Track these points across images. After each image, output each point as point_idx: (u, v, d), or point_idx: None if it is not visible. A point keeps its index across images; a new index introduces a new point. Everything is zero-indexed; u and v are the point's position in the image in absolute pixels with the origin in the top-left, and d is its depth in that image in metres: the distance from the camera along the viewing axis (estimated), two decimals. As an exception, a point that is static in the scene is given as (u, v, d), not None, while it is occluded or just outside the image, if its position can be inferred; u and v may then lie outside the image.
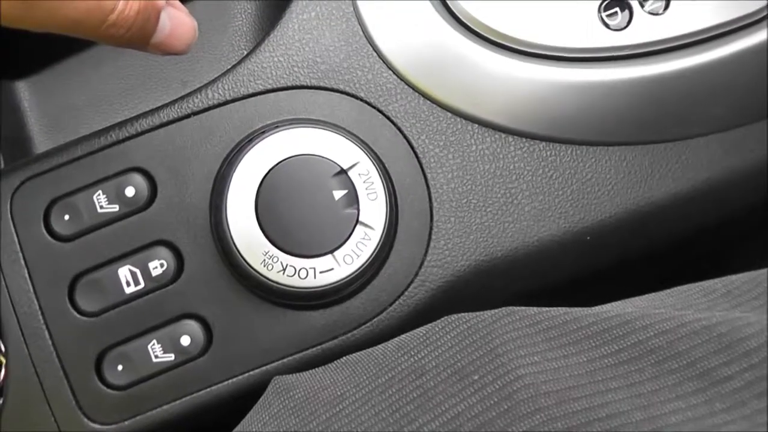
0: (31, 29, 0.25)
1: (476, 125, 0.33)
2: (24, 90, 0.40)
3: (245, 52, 0.36)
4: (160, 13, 0.28)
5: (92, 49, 0.40)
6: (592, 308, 0.25)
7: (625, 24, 0.34)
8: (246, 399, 0.30)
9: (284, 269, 0.30)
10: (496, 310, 0.25)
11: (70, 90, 0.39)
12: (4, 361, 0.31)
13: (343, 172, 0.31)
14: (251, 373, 0.31)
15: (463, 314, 0.26)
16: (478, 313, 0.26)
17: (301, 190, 0.31)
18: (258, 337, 0.31)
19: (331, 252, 0.31)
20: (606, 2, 0.34)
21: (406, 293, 0.32)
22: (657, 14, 0.34)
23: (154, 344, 0.31)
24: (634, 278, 0.37)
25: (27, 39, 0.38)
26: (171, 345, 0.31)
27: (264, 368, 0.31)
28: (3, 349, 0.31)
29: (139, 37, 0.27)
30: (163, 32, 0.28)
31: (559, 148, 0.33)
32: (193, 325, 0.31)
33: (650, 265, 0.38)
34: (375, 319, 0.32)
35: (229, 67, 0.33)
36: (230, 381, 0.31)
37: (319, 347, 0.31)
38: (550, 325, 0.24)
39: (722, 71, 0.34)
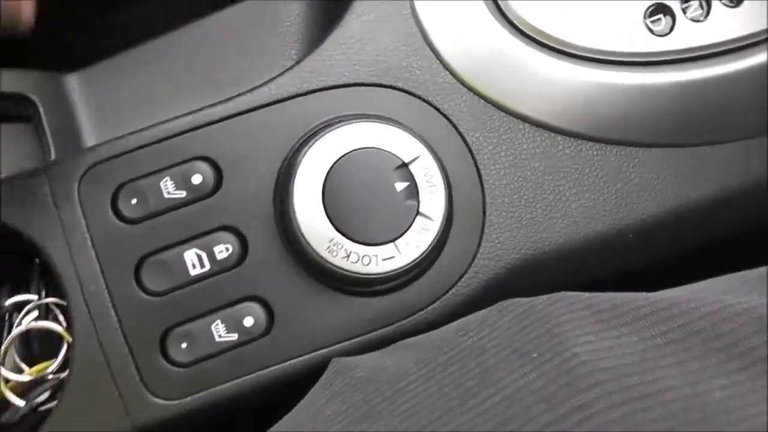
0: None
1: (527, 124, 0.34)
2: (74, 82, 0.40)
3: (293, 53, 0.37)
4: None
5: (142, 45, 0.40)
6: (640, 293, 0.27)
7: (668, 30, 0.35)
8: (305, 380, 0.31)
9: (348, 256, 0.31)
10: (550, 295, 0.27)
11: (121, 84, 0.40)
12: (70, 339, 0.32)
13: (404, 165, 0.32)
14: (310, 355, 0.32)
15: (517, 299, 0.27)
16: (532, 298, 0.27)
17: (365, 181, 0.32)
18: (317, 321, 0.32)
19: (393, 241, 0.32)
20: (651, 9, 0.35)
21: (459, 284, 0.33)
22: (699, 21, 0.35)
23: (217, 324, 0.32)
24: (672, 278, 0.38)
25: (77, 32, 0.39)
26: (234, 325, 0.32)
27: (322, 351, 0.32)
28: (69, 325, 0.32)
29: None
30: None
31: (605, 148, 0.34)
32: (255, 307, 0.32)
33: (688, 265, 0.39)
34: (429, 308, 0.33)
35: (278, 66, 0.35)
36: (290, 362, 0.32)
37: (375, 332, 0.32)
38: (602, 308, 0.25)
39: (763, 76, 0.35)
